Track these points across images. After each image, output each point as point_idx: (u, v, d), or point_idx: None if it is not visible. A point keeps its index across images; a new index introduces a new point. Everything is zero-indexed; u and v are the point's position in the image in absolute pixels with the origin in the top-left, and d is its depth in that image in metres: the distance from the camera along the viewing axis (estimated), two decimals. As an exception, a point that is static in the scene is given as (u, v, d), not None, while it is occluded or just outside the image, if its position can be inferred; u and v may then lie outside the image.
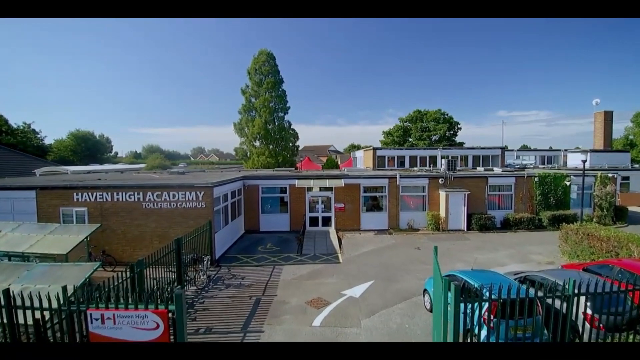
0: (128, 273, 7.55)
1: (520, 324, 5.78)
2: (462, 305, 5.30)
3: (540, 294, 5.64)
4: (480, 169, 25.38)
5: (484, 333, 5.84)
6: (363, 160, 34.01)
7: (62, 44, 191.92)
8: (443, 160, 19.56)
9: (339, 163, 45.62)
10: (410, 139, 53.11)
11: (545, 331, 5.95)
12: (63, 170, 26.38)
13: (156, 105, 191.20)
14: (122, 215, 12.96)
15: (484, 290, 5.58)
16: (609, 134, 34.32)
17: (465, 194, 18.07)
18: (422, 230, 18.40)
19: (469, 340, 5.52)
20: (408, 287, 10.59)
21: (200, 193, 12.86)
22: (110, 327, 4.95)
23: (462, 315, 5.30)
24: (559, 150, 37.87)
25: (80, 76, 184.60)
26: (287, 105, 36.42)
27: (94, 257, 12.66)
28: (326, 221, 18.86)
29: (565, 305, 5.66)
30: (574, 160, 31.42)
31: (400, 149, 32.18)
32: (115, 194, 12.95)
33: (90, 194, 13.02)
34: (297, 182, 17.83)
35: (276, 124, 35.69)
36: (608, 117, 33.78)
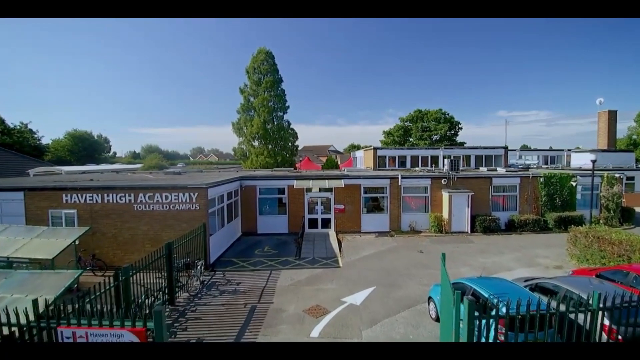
0: (112, 281, 7.06)
1: (534, 336, 5.31)
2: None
3: (562, 307, 5.15)
4: (483, 169, 24.85)
5: None
6: (363, 160, 33.46)
7: (62, 44, 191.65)
8: (446, 160, 19.05)
9: (339, 163, 45.10)
10: (410, 139, 52.57)
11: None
12: (57, 170, 25.85)
13: (156, 105, 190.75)
14: (112, 218, 12.43)
15: (501, 306, 5.07)
16: (613, 133, 33.73)
17: (469, 195, 17.55)
18: (425, 232, 17.88)
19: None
20: (411, 293, 10.08)
21: (194, 194, 12.34)
22: (83, 346, 4.43)
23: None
24: (562, 150, 37.34)
25: (80, 76, 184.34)
26: (287, 104, 35.87)
27: (84, 262, 12.17)
28: (325, 223, 18.33)
29: (587, 318, 5.15)
30: (578, 160, 30.88)
31: (402, 149, 31.62)
32: (105, 195, 12.43)
33: (79, 195, 12.50)
34: (295, 183, 17.31)
35: (275, 123, 35.13)
36: (612, 116, 33.19)
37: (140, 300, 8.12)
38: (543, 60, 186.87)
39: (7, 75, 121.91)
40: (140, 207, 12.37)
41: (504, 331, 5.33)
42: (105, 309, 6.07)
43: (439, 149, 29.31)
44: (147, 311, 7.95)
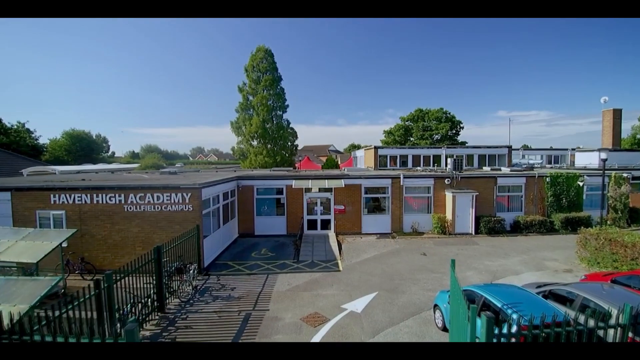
0: (92, 289, 6.54)
1: None
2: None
3: (582, 317, 4.62)
4: (486, 168, 24.28)
5: None
6: (364, 160, 32.88)
7: (62, 44, 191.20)
8: (449, 160, 18.45)
9: (339, 163, 44.49)
10: (411, 139, 51.91)
11: None
12: (51, 170, 25.30)
13: (156, 105, 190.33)
14: (102, 219, 11.90)
15: (523, 321, 4.53)
16: (618, 132, 33.12)
17: (473, 195, 17.00)
18: (428, 233, 17.33)
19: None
20: (415, 299, 9.54)
21: (187, 195, 11.81)
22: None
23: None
24: (566, 149, 36.68)
25: (80, 76, 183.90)
26: (286, 103, 35.30)
27: (72, 265, 11.65)
28: (325, 224, 17.78)
29: (617, 334, 4.63)
30: (583, 160, 30.28)
31: (403, 148, 31.03)
32: (94, 195, 11.90)
33: (68, 195, 11.97)
34: (294, 183, 16.77)
35: (274, 122, 34.57)
36: (617, 115, 32.57)
37: (126, 309, 7.59)
38: (543, 60, 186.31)
39: (7, 75, 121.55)
40: (131, 208, 11.84)
41: None
42: (88, 317, 5.61)
43: (441, 148, 28.71)
44: (133, 318, 7.45)
